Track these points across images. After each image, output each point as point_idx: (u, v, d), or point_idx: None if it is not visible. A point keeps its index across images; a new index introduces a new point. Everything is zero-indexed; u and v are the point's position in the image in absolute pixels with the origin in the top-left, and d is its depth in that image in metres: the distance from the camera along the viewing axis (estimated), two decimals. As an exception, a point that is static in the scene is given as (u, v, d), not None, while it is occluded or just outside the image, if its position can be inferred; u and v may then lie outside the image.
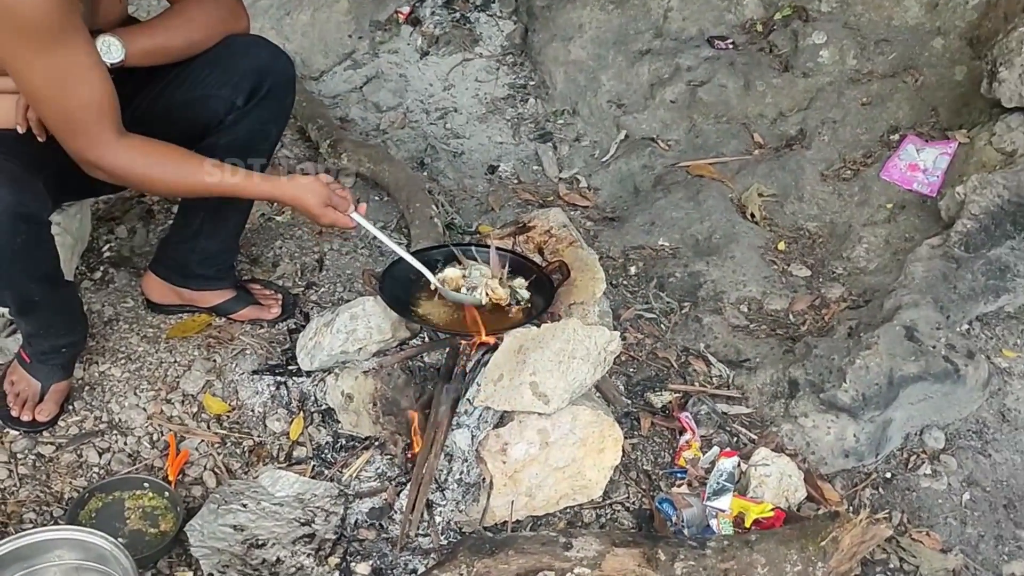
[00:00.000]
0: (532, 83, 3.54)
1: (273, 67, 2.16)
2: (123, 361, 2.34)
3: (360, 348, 2.23)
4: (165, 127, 2.09)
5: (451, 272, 2.28)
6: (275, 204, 2.80)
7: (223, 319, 2.49)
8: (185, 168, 1.93)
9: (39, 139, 1.87)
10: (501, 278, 2.23)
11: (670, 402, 2.40)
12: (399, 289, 2.24)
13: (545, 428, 2.08)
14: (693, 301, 2.69)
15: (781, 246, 2.87)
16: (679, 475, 2.22)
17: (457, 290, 2.21)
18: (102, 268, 2.60)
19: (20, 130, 1.85)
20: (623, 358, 2.50)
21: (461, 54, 3.58)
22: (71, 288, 2.18)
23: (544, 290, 2.26)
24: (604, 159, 3.25)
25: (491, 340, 2.13)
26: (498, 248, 2.32)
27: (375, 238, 2.18)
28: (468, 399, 2.14)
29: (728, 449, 2.23)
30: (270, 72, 2.15)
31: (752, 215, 2.95)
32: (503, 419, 2.10)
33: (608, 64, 3.40)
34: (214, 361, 2.37)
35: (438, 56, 3.57)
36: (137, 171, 1.87)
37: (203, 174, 1.93)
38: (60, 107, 1.75)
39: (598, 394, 2.35)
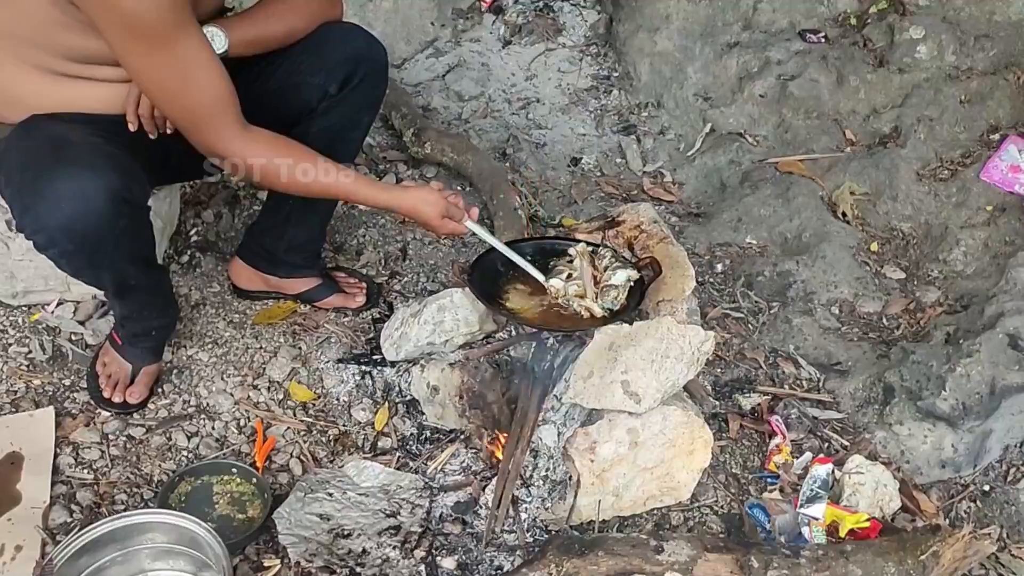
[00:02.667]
0: (616, 74, 3.49)
1: (367, 55, 2.15)
2: (210, 346, 2.36)
3: (447, 340, 2.22)
4: (258, 114, 2.08)
5: (554, 283, 2.20)
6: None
7: (308, 306, 2.50)
8: (305, 167, 1.90)
9: (150, 135, 1.89)
10: (598, 292, 2.16)
11: (759, 404, 2.34)
12: (488, 282, 2.22)
13: (635, 428, 2.04)
14: (782, 301, 2.62)
15: (874, 247, 2.78)
16: (770, 480, 2.17)
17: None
18: (189, 252, 2.62)
19: (131, 128, 1.86)
20: (710, 357, 2.44)
21: (544, 44, 3.54)
22: (164, 271, 2.20)
23: (635, 286, 2.21)
24: (689, 153, 3.18)
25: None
26: (589, 243, 2.28)
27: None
28: (555, 395, 2.11)
29: (821, 455, 2.17)
30: (364, 60, 2.14)
31: (843, 214, 2.86)
32: (590, 416, 2.07)
33: (695, 56, 3.33)
34: (299, 348, 2.37)
35: (520, 45, 3.54)
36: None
37: (321, 175, 1.91)
38: (183, 102, 1.74)
39: (686, 394, 2.30)
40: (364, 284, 2.55)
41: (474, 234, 2.10)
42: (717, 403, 2.34)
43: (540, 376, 2.15)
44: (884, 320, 2.58)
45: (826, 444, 2.27)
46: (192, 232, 2.69)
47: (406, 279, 2.64)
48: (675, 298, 2.28)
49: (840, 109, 3.14)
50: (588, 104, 3.38)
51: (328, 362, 2.34)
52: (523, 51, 3.51)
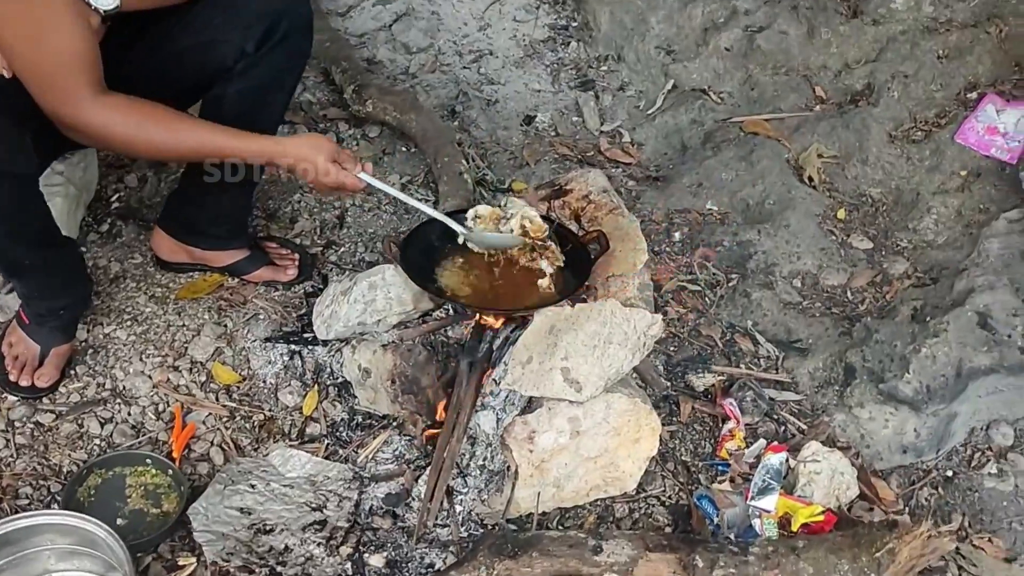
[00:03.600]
0: (575, 24, 3.28)
1: (288, 9, 1.97)
2: (129, 323, 2.20)
3: (379, 320, 2.07)
4: (168, 76, 1.94)
5: (484, 209, 2.08)
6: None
7: (236, 280, 2.33)
8: (171, 129, 1.75)
9: None
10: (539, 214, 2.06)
11: (713, 385, 2.21)
12: (422, 257, 2.07)
13: (576, 416, 1.91)
14: (742, 273, 2.48)
15: (841, 214, 2.63)
16: (721, 468, 2.05)
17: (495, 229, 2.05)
18: (109, 220, 2.45)
19: (6, 75, 1.68)
20: (663, 335, 2.31)
21: (499, -10, 3.32)
22: (69, 247, 2.03)
23: (580, 262, 2.07)
24: (650, 111, 3.01)
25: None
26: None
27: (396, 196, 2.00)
28: (494, 379, 1.97)
29: (775, 443, 2.05)
30: (284, 15, 1.96)
31: (810, 178, 2.71)
32: (531, 403, 1.94)
33: (658, 4, 3.12)
34: (225, 326, 2.22)
35: (474, -9, 3.32)
36: (116, 132, 1.70)
37: (190, 136, 1.76)
38: (32, 58, 1.60)
39: (635, 375, 2.17)
40: (297, 256, 2.38)
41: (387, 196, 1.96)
42: (669, 384, 2.21)
43: (478, 359, 2.02)
44: (848, 294, 2.44)
45: (782, 428, 2.15)
46: (113, 198, 2.51)
47: (343, 249, 2.47)
48: (625, 273, 2.14)
49: (810, 64, 2.97)
50: (544, 57, 3.19)
51: (255, 341, 2.19)
52: (476, -2, 3.30)
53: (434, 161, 2.65)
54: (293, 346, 2.19)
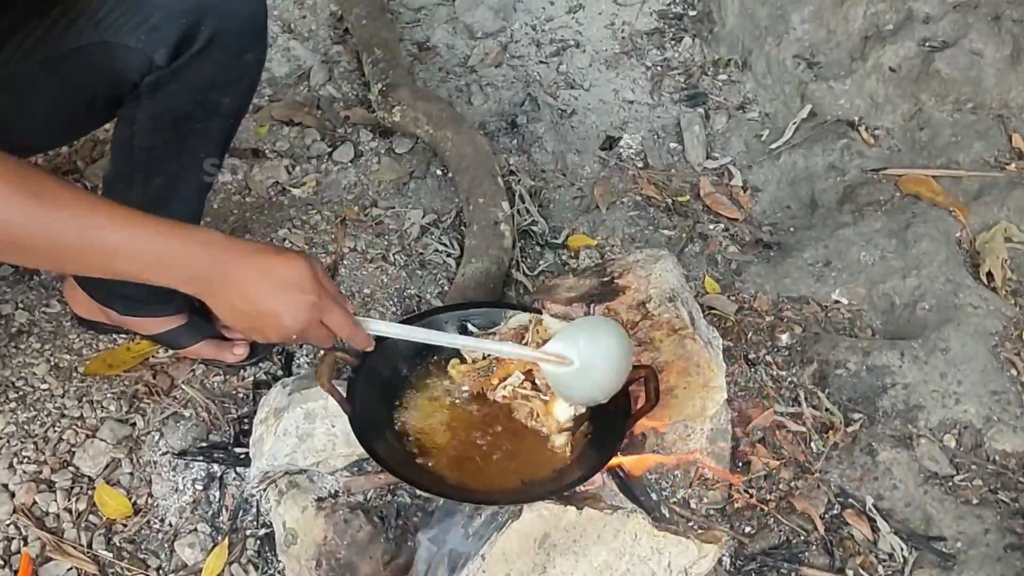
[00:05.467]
0: (692, 14, 2.51)
1: (215, 5, 1.34)
2: (13, 406, 1.66)
3: (317, 462, 1.45)
4: (50, 91, 1.37)
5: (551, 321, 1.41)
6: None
7: (169, 351, 1.76)
8: (66, 215, 1.04)
9: None
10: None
11: (801, 601, 1.50)
12: (386, 381, 1.42)
13: (566, 676, 1.24)
14: (869, 415, 1.72)
15: (1030, 335, 1.83)
16: None
17: None
18: (35, 249, 1.90)
19: None
20: (739, 504, 1.60)
21: (601, -38, 2.58)
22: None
23: (613, 419, 1.37)
24: (774, 144, 2.22)
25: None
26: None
27: None
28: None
29: None
30: (209, 12, 1.34)
31: (989, 274, 1.90)
32: (504, 639, 1.29)
33: (805, -2, 2.32)
34: (133, 425, 1.65)
35: (569, -38, 2.59)
36: None
37: (96, 229, 1.06)
38: None
39: None
40: (254, 328, 1.78)
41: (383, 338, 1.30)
42: (733, 592, 1.51)
43: (446, 542, 1.38)
44: (1030, 470, 1.66)
45: None
46: (47, 218, 1.95)
47: (322, 317, 1.85)
48: (690, 418, 1.46)
49: (1009, 102, 2.12)
50: (646, 55, 2.43)
51: (166, 453, 1.61)
52: (571, -30, 2.57)
53: (466, 201, 1.98)
54: (216, 465, 1.60)
